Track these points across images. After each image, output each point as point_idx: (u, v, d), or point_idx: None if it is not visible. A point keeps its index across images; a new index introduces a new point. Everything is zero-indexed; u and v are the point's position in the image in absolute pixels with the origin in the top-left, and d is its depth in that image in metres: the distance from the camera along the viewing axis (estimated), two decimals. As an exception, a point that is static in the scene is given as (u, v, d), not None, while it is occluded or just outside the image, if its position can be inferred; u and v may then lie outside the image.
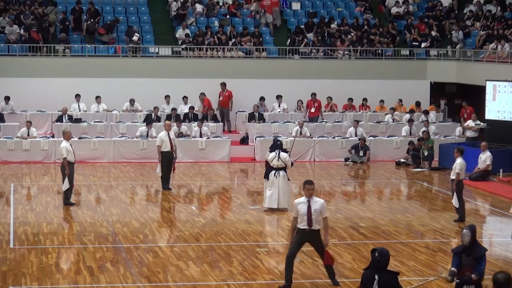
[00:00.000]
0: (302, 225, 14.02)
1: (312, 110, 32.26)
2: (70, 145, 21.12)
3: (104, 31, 33.91)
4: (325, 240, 14.20)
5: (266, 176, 20.88)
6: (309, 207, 13.95)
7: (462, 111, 33.05)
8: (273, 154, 20.64)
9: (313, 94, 32.33)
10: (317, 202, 14.09)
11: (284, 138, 27.42)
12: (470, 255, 12.11)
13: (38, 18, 34.15)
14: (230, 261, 16.09)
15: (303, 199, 14.13)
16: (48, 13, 34.60)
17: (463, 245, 12.17)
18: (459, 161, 19.49)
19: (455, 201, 19.64)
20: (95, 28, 33.87)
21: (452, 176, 19.63)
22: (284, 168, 20.68)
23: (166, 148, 23.36)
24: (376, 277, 10.32)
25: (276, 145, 20.80)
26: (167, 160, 23.33)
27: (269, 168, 20.80)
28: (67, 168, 20.79)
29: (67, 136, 21.34)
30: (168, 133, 23.53)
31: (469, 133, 30.16)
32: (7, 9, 34.36)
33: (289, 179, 21.01)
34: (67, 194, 21.13)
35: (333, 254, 14.75)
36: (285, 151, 21.04)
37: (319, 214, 14.01)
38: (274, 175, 20.56)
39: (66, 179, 20.82)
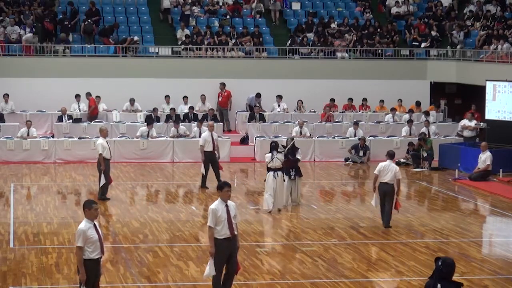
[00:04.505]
0: None
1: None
2: (107, 142, 21.87)
3: (102, 38, 33.81)
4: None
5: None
6: None
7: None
8: (269, 155, 20.70)
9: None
10: None
11: (283, 138, 27.36)
12: None
13: (38, 18, 34.14)
14: (230, 261, 16.05)
15: None
16: None
17: None
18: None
19: (374, 202, 19.35)
20: (93, 28, 33.84)
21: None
22: (281, 169, 20.71)
23: (209, 148, 23.83)
24: (439, 286, 9.86)
25: (271, 147, 20.85)
26: (210, 159, 23.77)
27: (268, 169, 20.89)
28: (103, 164, 21.51)
29: (104, 133, 22.01)
30: (212, 134, 24.00)
31: (466, 133, 30.08)
32: (7, 9, 34.33)
33: (301, 175, 21.67)
34: (103, 189, 21.81)
35: None
36: (281, 151, 21.08)
37: None
38: (273, 176, 20.56)
39: (102, 175, 21.56)
